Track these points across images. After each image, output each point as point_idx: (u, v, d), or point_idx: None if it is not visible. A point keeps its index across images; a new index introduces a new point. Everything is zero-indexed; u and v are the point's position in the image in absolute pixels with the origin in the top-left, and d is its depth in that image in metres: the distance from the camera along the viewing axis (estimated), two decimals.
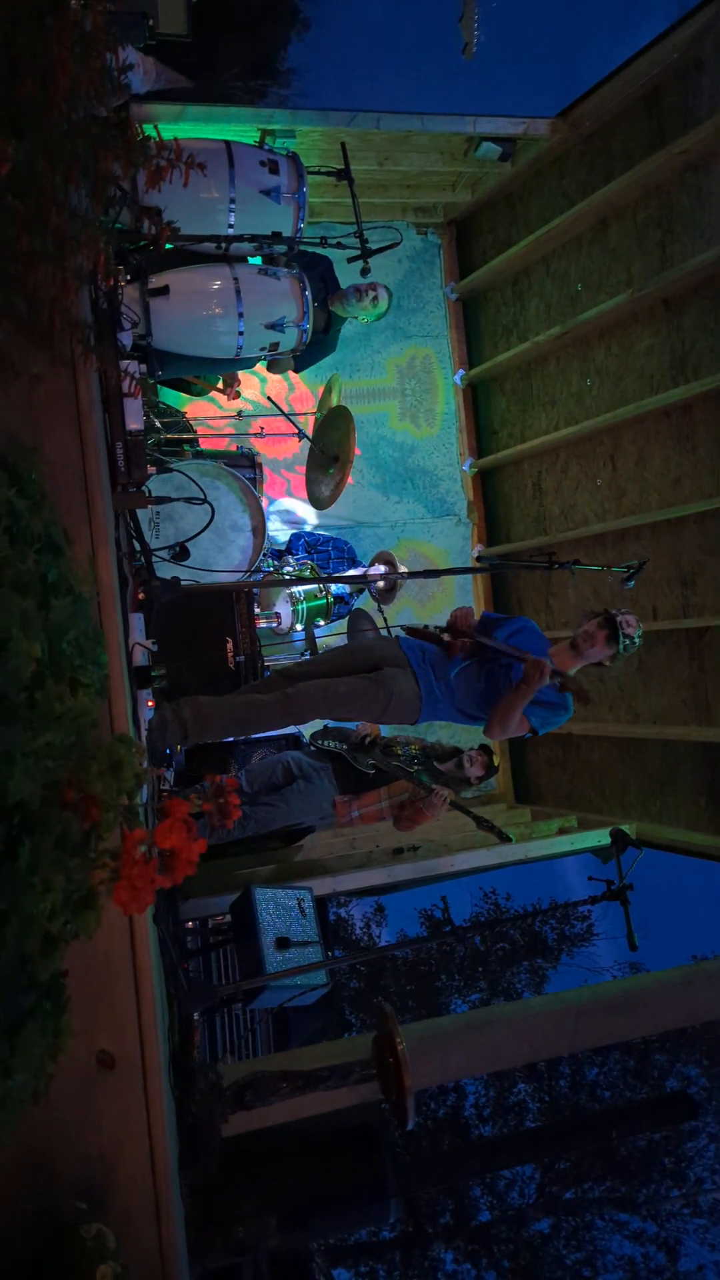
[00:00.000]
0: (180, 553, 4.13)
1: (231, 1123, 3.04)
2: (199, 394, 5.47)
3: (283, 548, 5.68)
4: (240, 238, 3.85)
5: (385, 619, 4.95)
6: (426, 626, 3.75)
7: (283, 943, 3.57)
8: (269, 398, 5.36)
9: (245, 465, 5.16)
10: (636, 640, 3.58)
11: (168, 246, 3.69)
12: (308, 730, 5.19)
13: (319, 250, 4.52)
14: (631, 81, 4.83)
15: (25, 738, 1.21)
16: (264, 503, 5.03)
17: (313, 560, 5.57)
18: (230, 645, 4.60)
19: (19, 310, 1.60)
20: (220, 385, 5.23)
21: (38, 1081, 1.30)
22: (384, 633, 4.73)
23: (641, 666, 5.20)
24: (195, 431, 5.34)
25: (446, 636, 3.65)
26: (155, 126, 1.81)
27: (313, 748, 4.92)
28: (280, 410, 5.32)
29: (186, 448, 5.03)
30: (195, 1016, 3.04)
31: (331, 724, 5.27)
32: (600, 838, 4.93)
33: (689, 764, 4.92)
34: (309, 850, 5.00)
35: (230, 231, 3.84)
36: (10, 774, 1.16)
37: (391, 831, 4.90)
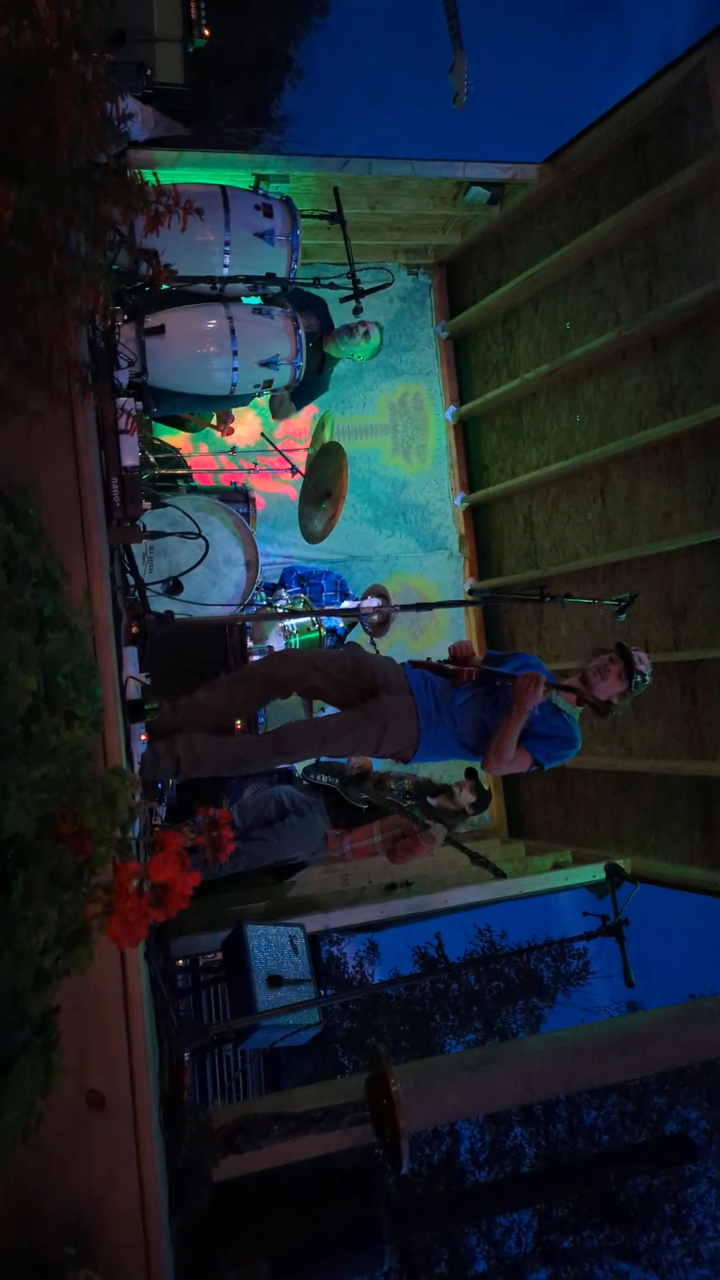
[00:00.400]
0: (174, 586, 4.15)
1: (222, 1166, 2.98)
2: (193, 430, 5.53)
3: (276, 581, 5.72)
4: (235, 279, 3.92)
5: (378, 651, 4.95)
6: (430, 660, 3.68)
7: (275, 981, 3.52)
8: (264, 433, 5.42)
9: (238, 500, 5.20)
10: (647, 678, 3.54)
11: (164, 287, 3.75)
12: (300, 764, 5.17)
13: (313, 291, 4.61)
14: (618, 127, 4.95)
15: (21, 770, 1.21)
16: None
17: (305, 593, 5.59)
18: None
19: (19, 349, 1.63)
20: (214, 422, 5.29)
21: (28, 1120, 1.29)
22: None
23: (634, 700, 5.21)
24: (189, 467, 5.39)
25: (451, 667, 3.60)
26: (154, 174, 1.86)
27: (305, 782, 4.90)
28: (273, 446, 5.38)
29: (180, 482, 5.07)
30: (186, 1056, 3.00)
31: (324, 758, 5.27)
32: (595, 873, 4.90)
33: (683, 798, 4.91)
34: (301, 886, 4.96)
35: (225, 272, 3.91)
36: (5, 807, 1.16)
37: (384, 867, 4.87)
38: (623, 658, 3.50)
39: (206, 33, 4.46)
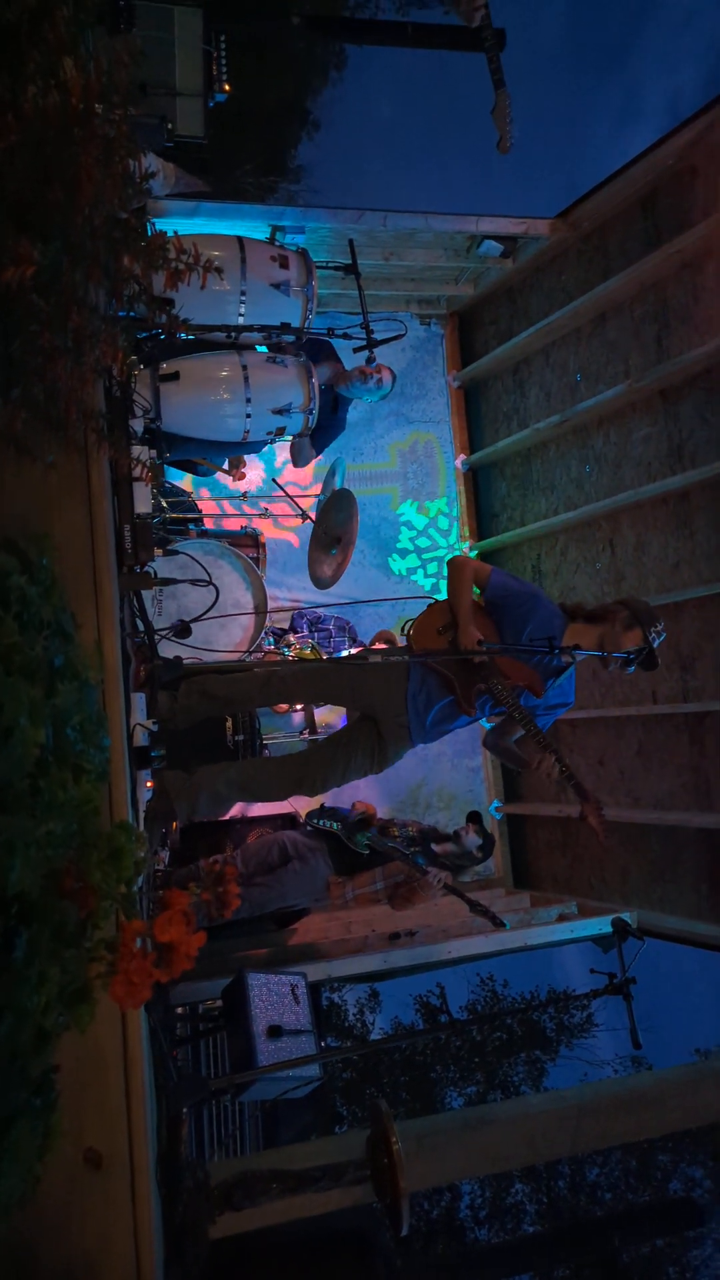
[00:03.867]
0: (182, 630, 4.15)
1: (219, 1224, 2.91)
2: (204, 474, 5.58)
3: (286, 625, 5.72)
4: (249, 328, 3.97)
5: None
6: (441, 659, 3.56)
7: (274, 1031, 3.46)
8: (274, 480, 5.47)
9: (248, 544, 5.23)
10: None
11: (180, 336, 3.81)
12: (303, 809, 5.14)
13: (323, 337, 4.66)
14: (629, 185, 5.05)
15: (28, 826, 1.20)
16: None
17: (314, 638, 5.60)
18: (229, 724, 4.59)
19: (37, 400, 1.65)
20: (225, 467, 5.34)
21: (25, 1184, 1.25)
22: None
23: (641, 750, 5.18)
24: (200, 511, 5.43)
25: (460, 695, 3.59)
26: (175, 233, 1.89)
27: (309, 827, 4.87)
28: (284, 492, 5.41)
29: (191, 527, 5.11)
30: (184, 1110, 2.93)
31: (328, 804, 5.23)
32: (601, 925, 4.83)
33: (690, 851, 4.86)
34: (303, 933, 4.90)
35: (240, 321, 3.97)
36: (11, 864, 1.15)
37: (387, 915, 4.81)
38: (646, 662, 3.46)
39: (227, 88, 4.56)
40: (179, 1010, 4.22)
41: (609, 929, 3.39)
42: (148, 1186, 2.14)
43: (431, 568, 6.50)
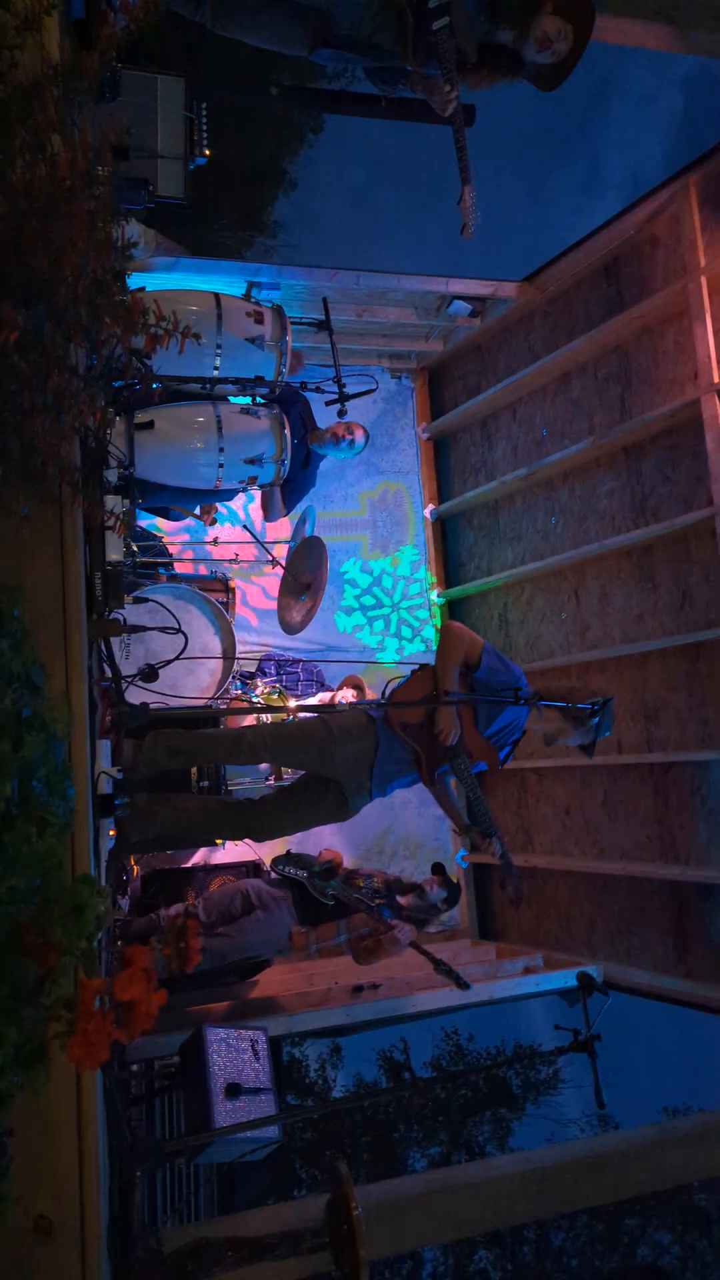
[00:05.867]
0: (149, 674, 4.13)
1: None
2: (176, 519, 5.59)
3: (254, 670, 5.72)
4: (224, 380, 4.04)
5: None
6: (414, 727, 3.74)
7: (233, 1090, 3.38)
8: (245, 525, 5.50)
9: (218, 589, 5.24)
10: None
11: (155, 385, 3.85)
12: (268, 857, 5.09)
13: (299, 391, 4.74)
14: (592, 252, 5.22)
15: None
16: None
17: (281, 683, 5.59)
18: (194, 771, 4.56)
19: (14, 455, 1.67)
20: (196, 512, 5.36)
21: None
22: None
23: (607, 800, 5.21)
24: (171, 555, 5.44)
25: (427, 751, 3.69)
26: (156, 303, 1.93)
27: (273, 875, 4.82)
28: (255, 537, 5.45)
29: (161, 570, 5.11)
30: (137, 1174, 2.85)
31: (294, 850, 5.19)
32: (567, 979, 4.81)
33: (656, 902, 4.87)
34: (265, 985, 4.82)
35: (215, 374, 4.03)
36: None
37: (351, 968, 4.75)
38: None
39: (207, 152, 4.67)
40: (134, 1067, 4.11)
41: (575, 982, 3.38)
42: (98, 1256, 2.07)
43: (378, 625, 6.53)
